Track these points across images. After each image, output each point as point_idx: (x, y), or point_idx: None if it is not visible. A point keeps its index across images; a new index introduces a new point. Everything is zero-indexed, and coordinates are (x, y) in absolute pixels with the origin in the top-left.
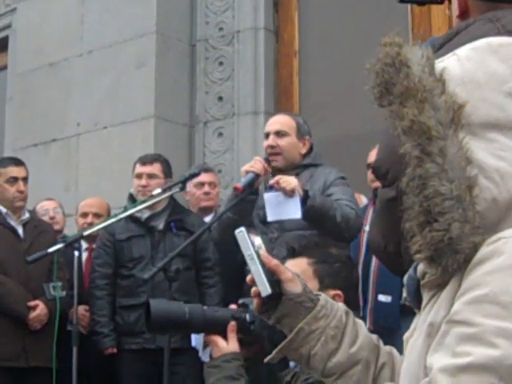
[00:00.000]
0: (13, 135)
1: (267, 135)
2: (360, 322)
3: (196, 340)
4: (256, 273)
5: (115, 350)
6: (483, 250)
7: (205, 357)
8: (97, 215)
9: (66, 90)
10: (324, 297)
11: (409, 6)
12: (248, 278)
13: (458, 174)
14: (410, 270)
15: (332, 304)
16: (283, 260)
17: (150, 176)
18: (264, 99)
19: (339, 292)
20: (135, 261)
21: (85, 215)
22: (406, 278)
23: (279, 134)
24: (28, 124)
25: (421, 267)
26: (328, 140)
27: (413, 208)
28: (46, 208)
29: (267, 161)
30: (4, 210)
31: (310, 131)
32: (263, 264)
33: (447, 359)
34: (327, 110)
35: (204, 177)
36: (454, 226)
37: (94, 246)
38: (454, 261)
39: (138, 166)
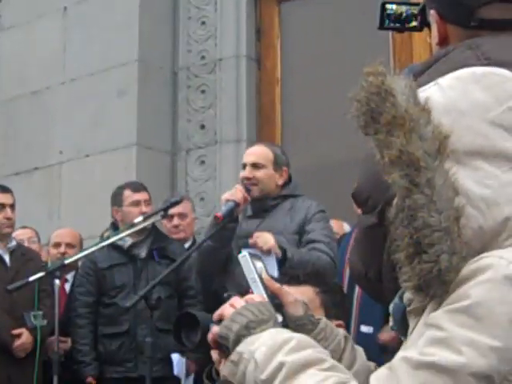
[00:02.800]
0: None
1: (244, 166)
2: (359, 348)
3: (178, 368)
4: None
5: (94, 381)
6: (467, 268)
7: None
8: (69, 245)
9: (48, 118)
10: (325, 320)
11: (390, 33)
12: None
13: (446, 204)
14: (396, 299)
15: (332, 328)
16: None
17: (146, 202)
18: (246, 127)
19: (341, 322)
20: (117, 289)
21: (57, 245)
22: (391, 306)
23: (256, 165)
24: (10, 152)
25: (407, 295)
26: (311, 167)
27: (402, 239)
28: (21, 238)
29: (247, 190)
30: None
31: (287, 162)
32: (266, 287)
33: (413, 354)
34: (310, 138)
35: (174, 209)
36: (443, 257)
37: (66, 276)
38: (442, 291)
39: (129, 193)
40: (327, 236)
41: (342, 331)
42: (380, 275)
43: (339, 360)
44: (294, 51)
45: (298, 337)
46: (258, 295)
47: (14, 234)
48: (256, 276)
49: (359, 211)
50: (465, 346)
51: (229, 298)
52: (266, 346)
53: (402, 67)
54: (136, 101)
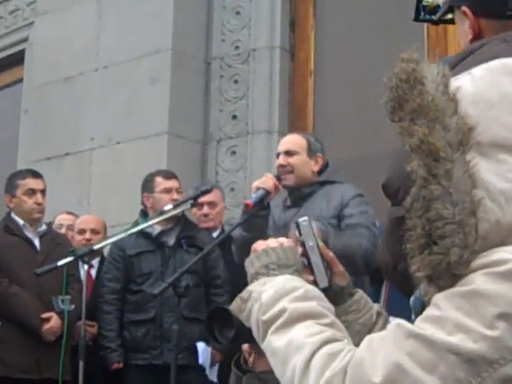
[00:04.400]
0: (26, 148)
1: (278, 155)
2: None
3: (203, 357)
4: (316, 264)
5: (121, 365)
6: (478, 262)
7: (212, 375)
8: (94, 231)
9: (80, 105)
10: (360, 293)
11: (425, 27)
12: None
13: (462, 197)
14: (416, 291)
15: (366, 301)
16: None
17: (178, 190)
18: (278, 118)
19: None
20: (145, 276)
21: (82, 232)
22: (412, 299)
23: (289, 153)
24: (42, 137)
25: (423, 286)
26: (343, 159)
27: (415, 229)
28: (61, 223)
29: (278, 178)
30: (21, 222)
31: (322, 149)
32: (321, 254)
33: (408, 324)
34: (342, 130)
35: (203, 197)
36: (453, 251)
37: (92, 262)
38: (451, 283)
39: (161, 180)
40: (368, 220)
41: (376, 306)
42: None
43: (368, 333)
44: (328, 43)
45: (308, 287)
46: (289, 240)
47: (58, 217)
48: (315, 243)
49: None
50: (457, 329)
51: None
52: (275, 289)
53: (437, 60)
54: (168, 89)
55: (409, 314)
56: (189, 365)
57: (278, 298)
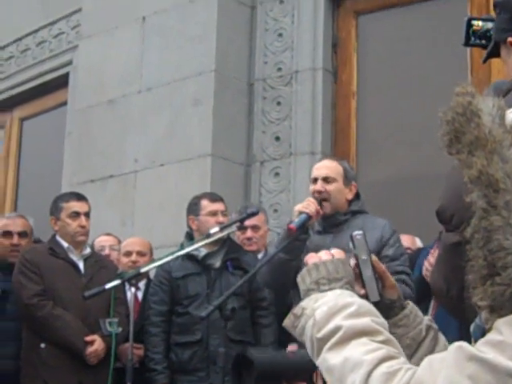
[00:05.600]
0: (71, 170)
1: (315, 180)
2: (442, 339)
3: None
4: (369, 277)
5: None
6: None
7: None
8: (140, 253)
9: (124, 127)
10: (411, 306)
11: (468, 49)
12: None
13: None
14: (477, 319)
15: (416, 316)
16: None
17: (223, 213)
18: (321, 140)
19: None
20: (191, 298)
21: (128, 254)
22: (472, 326)
23: (327, 179)
24: (86, 159)
25: (484, 314)
26: (385, 181)
27: (476, 260)
28: (103, 245)
29: (320, 203)
30: (66, 245)
31: (355, 177)
32: (373, 267)
33: (470, 347)
34: (384, 151)
35: (248, 221)
36: None
37: (139, 284)
38: None
39: (207, 203)
40: (408, 266)
41: (426, 319)
42: (462, 294)
43: (418, 347)
44: (371, 64)
45: (360, 302)
46: (340, 252)
47: (96, 240)
48: (368, 257)
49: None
50: None
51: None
52: (328, 306)
53: (480, 83)
54: (211, 111)
55: (453, 329)
56: None
57: (332, 315)
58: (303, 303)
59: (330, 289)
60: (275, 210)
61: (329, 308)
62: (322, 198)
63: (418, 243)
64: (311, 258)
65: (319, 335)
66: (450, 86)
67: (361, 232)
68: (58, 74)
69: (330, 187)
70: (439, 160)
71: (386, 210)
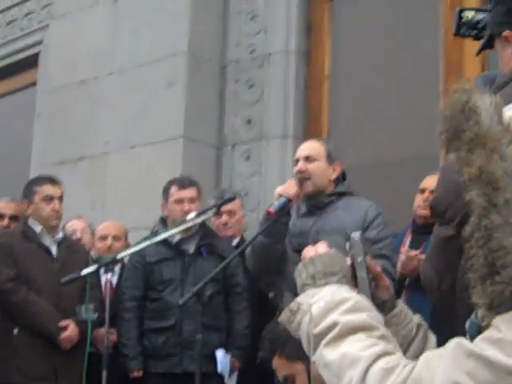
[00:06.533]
0: (40, 152)
1: (297, 161)
2: (432, 338)
3: (222, 365)
4: (362, 280)
5: (141, 373)
6: None
7: (231, 383)
8: (115, 238)
9: (95, 108)
10: (401, 306)
11: (441, 32)
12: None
13: None
14: (472, 316)
15: (406, 314)
16: None
17: (191, 200)
18: (293, 123)
19: None
20: (165, 283)
21: (103, 238)
22: (467, 323)
23: (308, 159)
24: (56, 141)
25: (481, 311)
26: (357, 165)
27: (476, 259)
28: (75, 228)
29: (300, 183)
30: (39, 229)
31: (340, 157)
32: (368, 268)
33: (469, 344)
34: (357, 135)
35: (223, 206)
36: None
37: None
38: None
39: (175, 190)
40: (391, 250)
41: (416, 318)
42: (454, 287)
43: (408, 346)
44: (344, 48)
45: (356, 298)
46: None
47: (68, 224)
48: (363, 259)
49: (423, 212)
50: None
51: (274, 298)
52: (324, 301)
53: (452, 68)
54: (184, 93)
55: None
56: (208, 373)
57: (329, 311)
58: (299, 298)
59: (326, 283)
60: (246, 194)
61: (325, 303)
62: (303, 177)
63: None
64: (308, 252)
65: (316, 331)
66: (422, 70)
67: (357, 233)
68: (28, 53)
69: (312, 166)
70: (411, 146)
71: (358, 195)
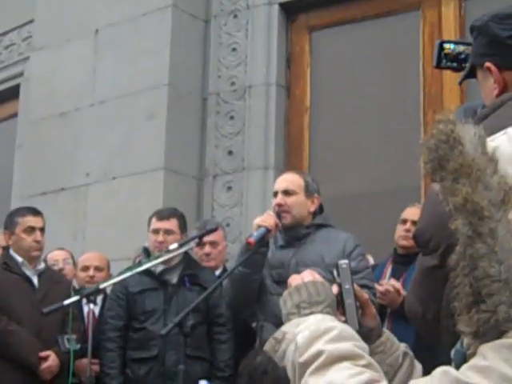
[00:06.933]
0: (21, 183)
1: (276, 193)
2: (418, 366)
3: None
4: (350, 307)
5: None
6: None
7: None
8: (98, 268)
9: (76, 140)
10: (387, 334)
11: (420, 65)
12: None
13: (507, 255)
14: (458, 344)
15: (392, 343)
16: None
17: (167, 232)
18: (274, 154)
19: None
20: (147, 314)
21: (86, 269)
22: (452, 351)
23: (287, 192)
24: (37, 172)
25: (466, 340)
26: (337, 197)
27: (462, 288)
28: (56, 259)
29: (278, 216)
30: (20, 260)
31: (318, 190)
32: (356, 296)
33: (455, 372)
34: (337, 167)
35: (206, 237)
36: (501, 308)
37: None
38: (498, 337)
39: (154, 220)
40: (371, 280)
41: (402, 346)
42: (438, 316)
43: (394, 374)
44: (324, 80)
45: (341, 327)
46: (320, 275)
47: (49, 255)
48: (351, 286)
49: (405, 242)
50: (503, 380)
51: (261, 328)
52: (310, 330)
53: (432, 100)
54: (164, 125)
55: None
56: None
57: (314, 340)
58: (284, 327)
59: (311, 312)
60: (228, 224)
61: (311, 332)
62: (282, 210)
63: (371, 260)
64: (294, 280)
65: (301, 360)
66: (402, 102)
67: (346, 261)
68: (8, 85)
69: (290, 200)
70: (391, 177)
71: (336, 227)
